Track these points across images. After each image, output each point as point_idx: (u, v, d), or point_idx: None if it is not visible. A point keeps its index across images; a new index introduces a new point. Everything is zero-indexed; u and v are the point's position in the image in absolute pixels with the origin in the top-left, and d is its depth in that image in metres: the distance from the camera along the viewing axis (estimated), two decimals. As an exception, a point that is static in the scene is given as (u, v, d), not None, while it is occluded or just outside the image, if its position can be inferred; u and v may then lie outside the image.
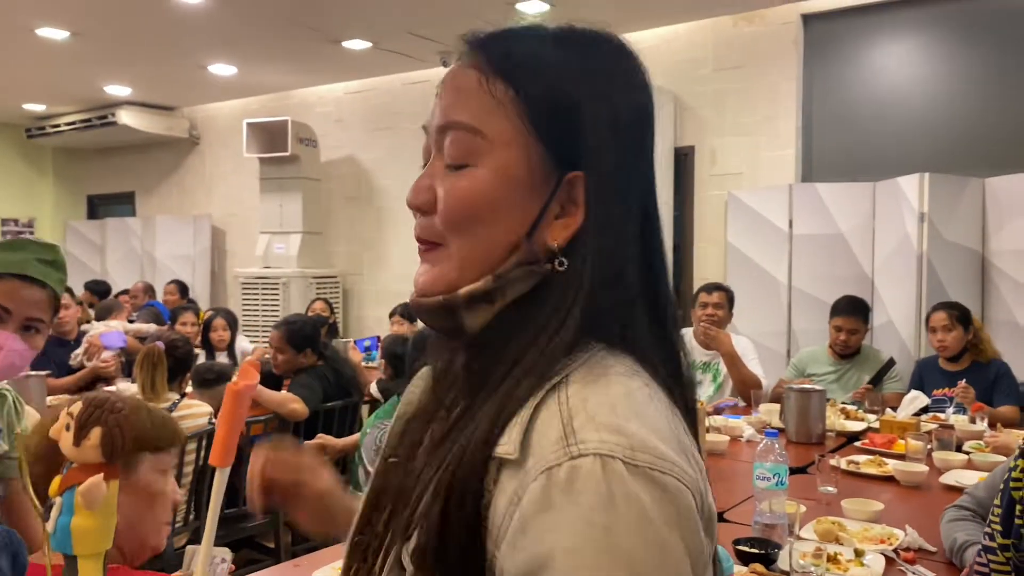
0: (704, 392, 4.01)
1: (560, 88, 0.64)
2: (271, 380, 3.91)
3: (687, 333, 4.06)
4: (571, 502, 0.53)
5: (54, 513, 0.67)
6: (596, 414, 0.56)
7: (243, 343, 5.43)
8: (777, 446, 2.07)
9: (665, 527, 0.53)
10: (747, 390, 3.75)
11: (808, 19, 5.22)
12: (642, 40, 5.74)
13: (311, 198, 7.25)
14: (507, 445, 0.57)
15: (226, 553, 1.63)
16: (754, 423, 3.28)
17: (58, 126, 8.68)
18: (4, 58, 6.45)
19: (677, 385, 0.66)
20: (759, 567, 1.78)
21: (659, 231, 0.68)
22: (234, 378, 0.80)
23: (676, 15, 5.44)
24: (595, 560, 0.52)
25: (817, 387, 3.29)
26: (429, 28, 5.61)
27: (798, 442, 3.11)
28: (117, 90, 7.65)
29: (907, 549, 1.90)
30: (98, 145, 9.34)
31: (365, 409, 4.48)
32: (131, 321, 6.09)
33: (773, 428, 3.09)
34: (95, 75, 7.11)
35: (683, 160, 5.59)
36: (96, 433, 0.68)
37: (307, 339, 3.95)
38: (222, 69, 6.84)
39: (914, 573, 1.78)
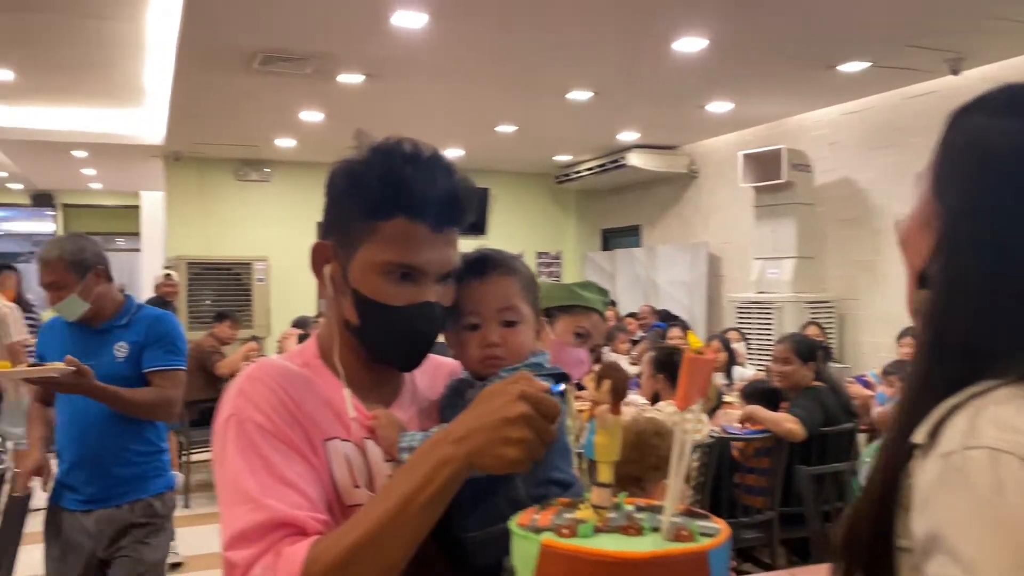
0: None
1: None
2: (767, 398, 4.09)
3: None
4: (964, 485, 0.65)
5: (585, 433, 0.97)
6: (999, 419, 0.67)
7: (740, 370, 5.72)
8: None
9: None
10: None
11: None
12: None
13: (805, 223, 7.27)
14: (919, 434, 0.71)
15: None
16: None
17: (579, 172, 10.08)
18: (542, 119, 7.77)
19: None
20: None
21: None
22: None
23: None
24: (981, 535, 0.62)
25: None
26: (932, 38, 5.29)
27: None
28: (627, 136, 8.63)
29: None
30: (610, 185, 10.58)
31: (862, 437, 4.42)
32: (636, 341, 6.83)
33: None
34: (611, 125, 8.13)
35: None
36: (607, 383, 0.97)
37: (812, 351, 4.06)
38: (719, 107, 7.28)
39: None
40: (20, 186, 13.69)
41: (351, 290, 1.11)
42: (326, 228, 1.16)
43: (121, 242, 15.27)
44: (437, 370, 1.28)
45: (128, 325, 2.74)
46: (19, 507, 2.88)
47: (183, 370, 2.80)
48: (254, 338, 7.66)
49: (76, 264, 2.63)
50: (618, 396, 0.96)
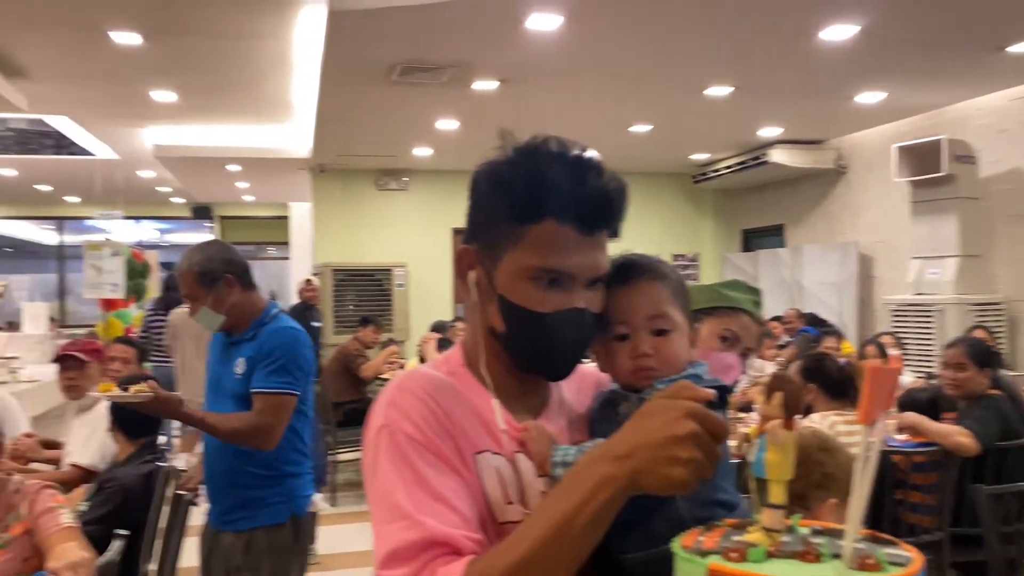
0: None
1: None
2: (927, 408, 3.77)
3: None
4: None
5: (755, 449, 0.89)
6: None
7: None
8: None
9: None
10: None
11: None
12: None
13: (969, 219, 6.74)
14: None
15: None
16: None
17: (718, 170, 9.80)
18: (678, 118, 7.59)
19: None
20: None
21: None
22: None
23: None
24: None
25: None
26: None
27: None
28: (769, 131, 8.29)
29: None
30: (751, 184, 10.22)
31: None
32: (782, 346, 6.52)
33: None
34: (751, 121, 7.84)
35: None
36: (778, 396, 0.89)
37: (989, 356, 3.72)
38: (869, 97, 6.86)
39: None
40: (182, 200, 14.73)
41: (497, 296, 1.07)
42: (470, 232, 1.12)
43: (272, 251, 16.16)
44: (582, 380, 1.22)
45: (253, 338, 2.51)
46: (183, 502, 3.05)
47: (289, 394, 2.45)
48: (391, 341, 7.87)
49: (204, 275, 2.52)
50: (791, 410, 0.88)
